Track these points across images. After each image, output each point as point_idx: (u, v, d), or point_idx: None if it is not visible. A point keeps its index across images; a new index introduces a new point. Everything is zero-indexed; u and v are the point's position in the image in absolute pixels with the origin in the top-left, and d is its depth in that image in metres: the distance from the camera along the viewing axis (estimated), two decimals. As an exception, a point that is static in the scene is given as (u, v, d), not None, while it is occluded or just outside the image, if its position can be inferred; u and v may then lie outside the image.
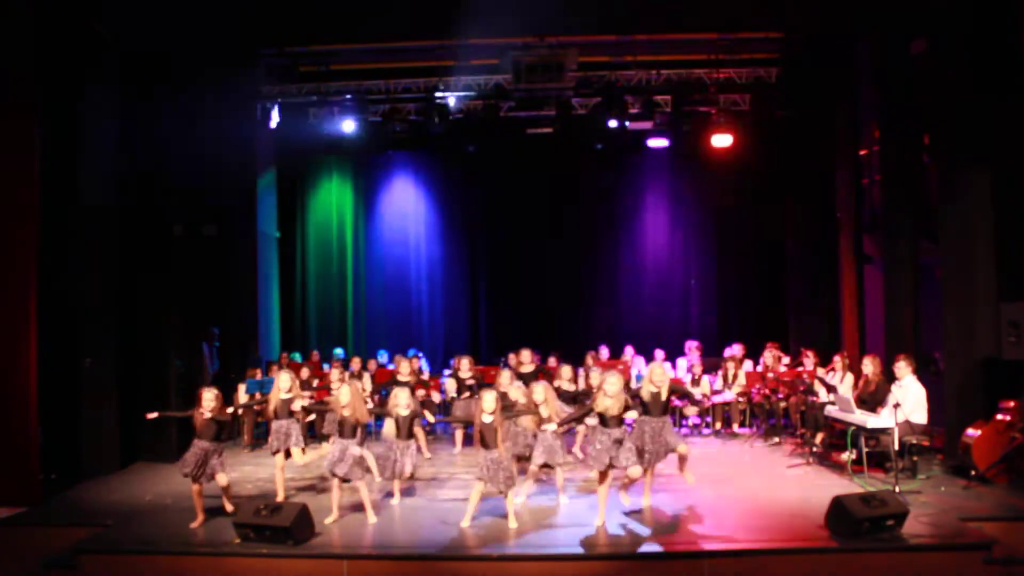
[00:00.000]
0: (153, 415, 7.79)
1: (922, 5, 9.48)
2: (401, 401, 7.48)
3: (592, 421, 7.50)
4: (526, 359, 9.95)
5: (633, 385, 8.69)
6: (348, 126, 12.62)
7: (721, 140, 12.66)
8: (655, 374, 7.43)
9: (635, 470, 7.01)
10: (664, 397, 7.39)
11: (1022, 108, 8.73)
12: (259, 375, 11.08)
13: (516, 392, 8.20)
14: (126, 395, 9.71)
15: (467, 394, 10.08)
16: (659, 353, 12.08)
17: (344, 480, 7.23)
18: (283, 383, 8.01)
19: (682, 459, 7.48)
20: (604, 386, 6.98)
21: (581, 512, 7.50)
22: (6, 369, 8.12)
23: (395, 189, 14.72)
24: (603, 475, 7.04)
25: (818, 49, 11.87)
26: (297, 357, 12.79)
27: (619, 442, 6.94)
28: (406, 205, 14.69)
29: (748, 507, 7.60)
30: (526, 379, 9.14)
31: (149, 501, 8.13)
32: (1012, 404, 8.22)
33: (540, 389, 7.59)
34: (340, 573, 6.38)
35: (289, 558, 6.46)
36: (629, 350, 12.28)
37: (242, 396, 10.39)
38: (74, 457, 8.96)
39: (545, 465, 7.72)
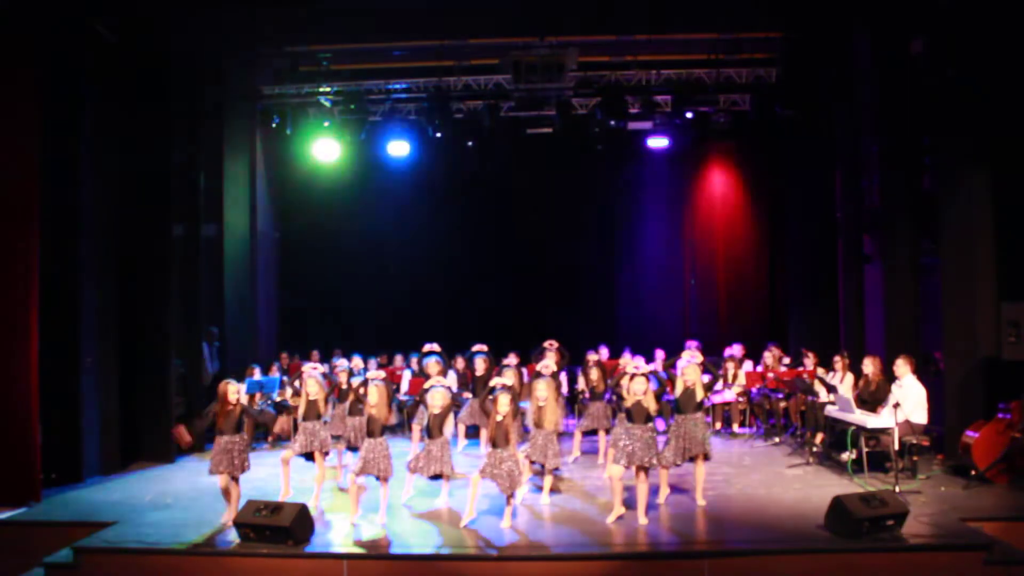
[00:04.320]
0: (187, 439, 7.76)
1: (922, 5, 9.48)
2: (437, 401, 7.50)
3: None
4: (550, 359, 9.92)
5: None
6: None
7: (720, 140, 12.66)
8: (688, 372, 7.54)
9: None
10: (699, 396, 7.53)
11: (1022, 107, 8.73)
12: (256, 374, 11.07)
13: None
14: (126, 395, 9.71)
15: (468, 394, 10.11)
16: (659, 353, 12.08)
17: (376, 479, 7.25)
18: (311, 387, 8.04)
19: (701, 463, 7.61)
20: (632, 386, 7.18)
21: (582, 512, 7.51)
22: (6, 369, 8.12)
23: (395, 188, 14.71)
24: (641, 473, 7.11)
25: (818, 49, 11.86)
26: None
27: (646, 440, 7.04)
28: (406, 205, 14.68)
29: (748, 507, 7.60)
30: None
31: (149, 501, 8.12)
32: (1012, 404, 8.22)
33: (543, 387, 7.64)
34: (340, 573, 6.39)
35: (289, 558, 6.46)
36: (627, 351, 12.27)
37: (242, 396, 10.37)
38: (74, 457, 8.95)
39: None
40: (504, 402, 7.07)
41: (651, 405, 7.18)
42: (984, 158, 8.95)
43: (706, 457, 7.59)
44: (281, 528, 6.51)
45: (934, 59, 9.42)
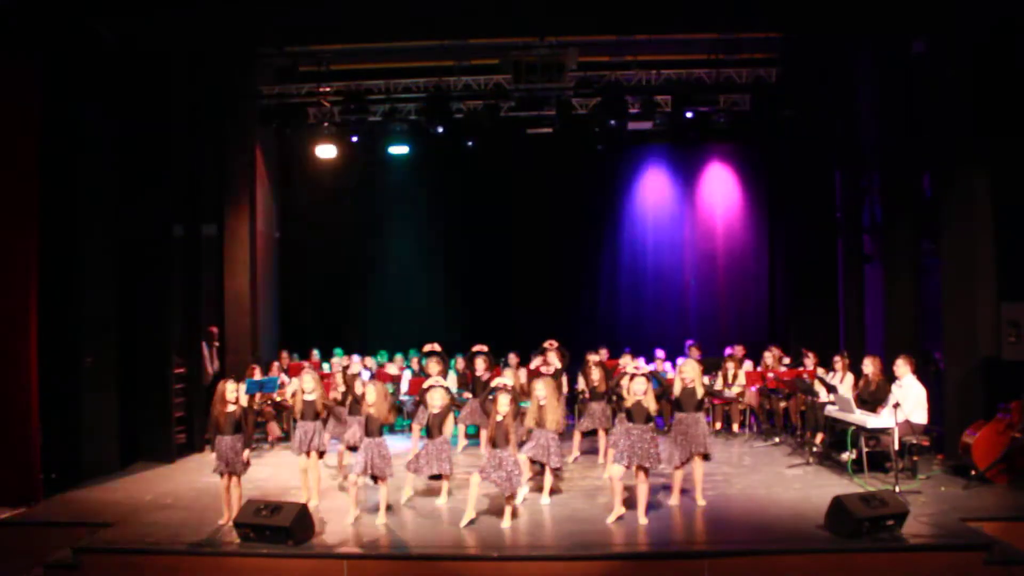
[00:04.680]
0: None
1: (922, 5, 9.48)
2: (436, 400, 7.49)
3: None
4: (552, 359, 9.97)
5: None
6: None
7: (720, 140, 12.66)
8: (686, 370, 7.60)
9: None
10: (699, 394, 7.56)
11: (1022, 108, 8.73)
12: (258, 374, 11.08)
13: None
14: (126, 395, 9.72)
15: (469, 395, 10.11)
16: (659, 353, 12.08)
17: (375, 479, 7.25)
18: (307, 384, 7.99)
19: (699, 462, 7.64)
20: (632, 386, 7.21)
21: (582, 512, 7.51)
22: (6, 369, 8.12)
23: (395, 189, 14.73)
24: (641, 473, 7.11)
25: (818, 49, 11.87)
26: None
27: (646, 440, 7.06)
28: (406, 205, 14.70)
29: (748, 507, 7.60)
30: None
31: (149, 501, 8.12)
32: (1012, 404, 8.22)
33: (543, 386, 7.66)
34: (340, 573, 6.38)
35: (289, 558, 6.46)
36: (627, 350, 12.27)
37: (242, 396, 10.38)
38: (74, 457, 8.96)
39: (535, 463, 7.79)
40: (504, 402, 7.08)
41: (651, 405, 7.19)
42: (984, 158, 8.95)
43: (706, 457, 7.60)
44: (281, 528, 6.51)
45: (934, 60, 9.42)
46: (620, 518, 7.12)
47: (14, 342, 8.13)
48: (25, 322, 8.16)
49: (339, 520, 7.28)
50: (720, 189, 14.25)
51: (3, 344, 8.13)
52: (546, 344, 9.98)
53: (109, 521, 7.36)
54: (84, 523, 7.39)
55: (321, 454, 7.99)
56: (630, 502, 7.24)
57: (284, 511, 6.62)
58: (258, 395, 10.71)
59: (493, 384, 7.48)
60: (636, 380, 7.24)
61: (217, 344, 11.91)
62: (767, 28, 11.72)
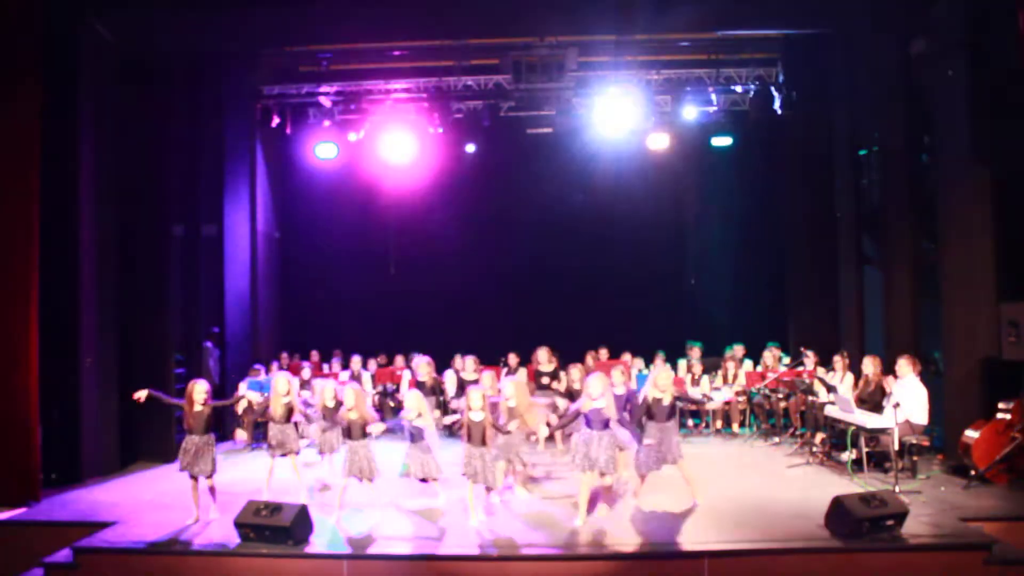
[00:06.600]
0: (142, 394, 7.54)
1: (922, 5, 9.48)
2: (411, 404, 7.49)
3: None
4: (543, 359, 9.94)
5: (634, 387, 8.70)
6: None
7: (721, 140, 12.66)
8: (660, 378, 7.52)
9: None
10: (667, 402, 7.47)
11: (1021, 108, 8.73)
12: (261, 375, 11.08)
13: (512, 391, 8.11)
14: (126, 395, 9.71)
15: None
16: (659, 353, 12.07)
17: (363, 479, 7.25)
18: (280, 387, 8.01)
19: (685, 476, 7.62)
20: (587, 389, 7.12)
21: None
22: (6, 369, 8.12)
23: (395, 189, 14.71)
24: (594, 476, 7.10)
25: (818, 49, 11.87)
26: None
27: (607, 444, 7.03)
28: (405, 205, 14.70)
29: (748, 507, 7.59)
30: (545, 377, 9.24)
31: (149, 501, 8.13)
32: (1012, 404, 8.22)
33: (510, 387, 7.66)
34: (340, 573, 6.39)
35: (289, 558, 6.46)
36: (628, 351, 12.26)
37: (246, 396, 10.39)
38: (74, 457, 8.96)
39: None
40: (476, 397, 7.10)
41: (611, 413, 7.12)
42: (984, 158, 8.94)
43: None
44: (281, 528, 6.51)
45: (934, 60, 9.42)
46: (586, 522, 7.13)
47: (14, 342, 8.14)
48: (25, 322, 8.16)
49: (338, 520, 7.27)
50: (720, 189, 14.23)
51: (3, 344, 8.13)
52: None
53: (109, 521, 7.36)
54: (84, 523, 7.39)
55: (296, 453, 8.03)
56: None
57: (284, 511, 6.63)
58: (259, 395, 10.70)
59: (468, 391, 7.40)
60: (591, 385, 7.11)
61: (217, 350, 11.92)
62: (767, 28, 11.72)
